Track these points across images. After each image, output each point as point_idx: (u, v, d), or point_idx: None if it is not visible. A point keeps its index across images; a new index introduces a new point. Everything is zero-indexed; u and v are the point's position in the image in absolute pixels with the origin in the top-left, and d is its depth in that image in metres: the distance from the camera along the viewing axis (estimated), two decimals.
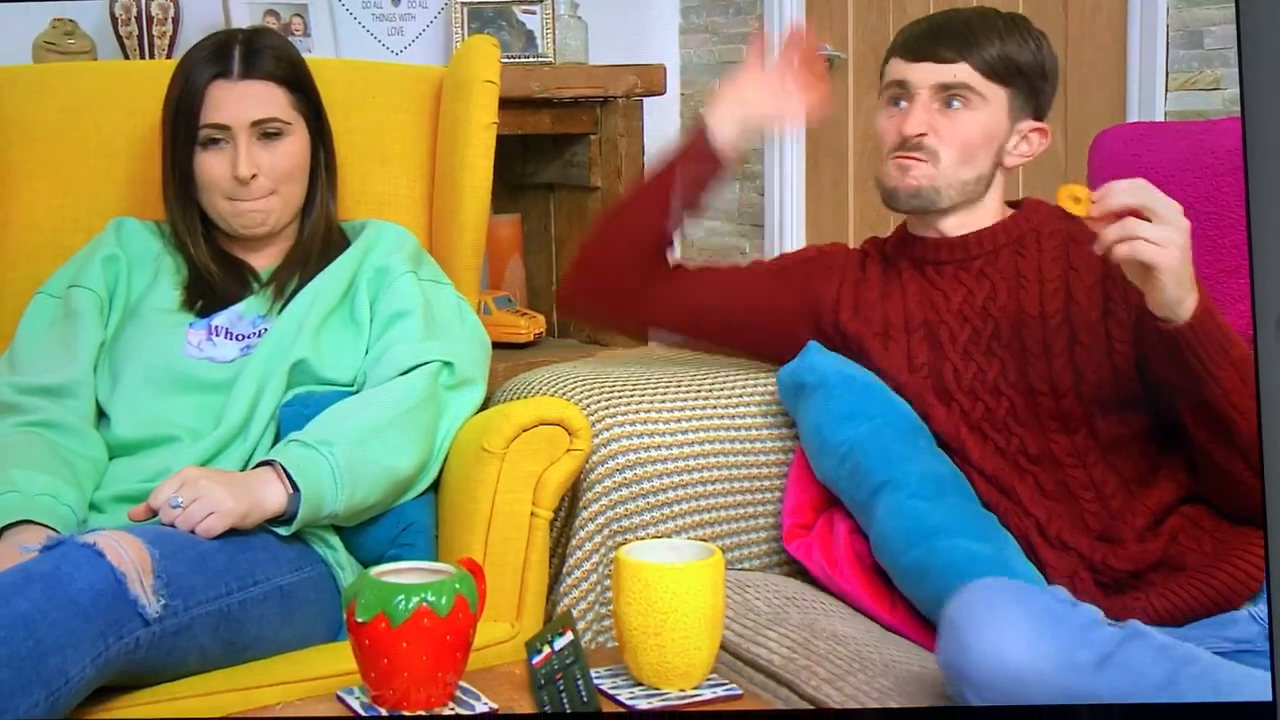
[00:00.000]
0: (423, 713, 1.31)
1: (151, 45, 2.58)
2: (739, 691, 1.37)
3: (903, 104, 1.69)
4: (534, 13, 2.86)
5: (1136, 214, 1.40)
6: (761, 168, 3.17)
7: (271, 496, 1.53)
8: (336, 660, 1.45)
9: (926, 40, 1.68)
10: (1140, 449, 1.60)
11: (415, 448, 1.65)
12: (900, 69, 1.69)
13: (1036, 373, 1.63)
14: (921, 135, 1.66)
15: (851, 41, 2.99)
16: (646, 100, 2.83)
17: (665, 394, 1.82)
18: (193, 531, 1.47)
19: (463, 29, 2.82)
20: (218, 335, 1.72)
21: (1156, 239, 1.39)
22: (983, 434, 1.64)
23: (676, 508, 1.76)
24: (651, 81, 2.78)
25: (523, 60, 2.85)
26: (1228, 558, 1.51)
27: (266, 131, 1.73)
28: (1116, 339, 1.60)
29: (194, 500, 1.48)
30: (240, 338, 1.73)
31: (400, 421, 1.64)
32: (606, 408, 1.78)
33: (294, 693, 1.42)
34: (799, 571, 1.73)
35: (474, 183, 1.94)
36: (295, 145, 1.76)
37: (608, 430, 1.75)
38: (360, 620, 1.29)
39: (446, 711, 1.32)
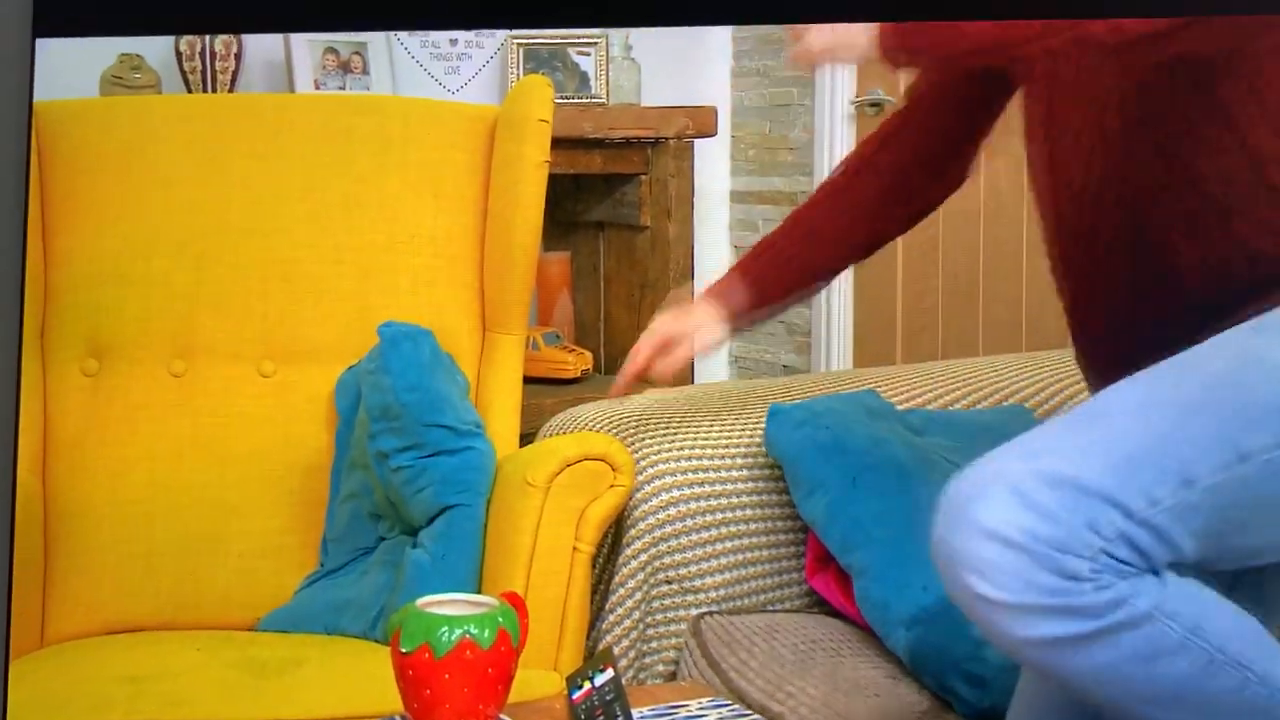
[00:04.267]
0: None
1: (214, 80, 2.63)
2: None
3: None
4: (588, 54, 2.89)
5: None
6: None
7: None
8: (383, 697, 1.46)
9: None
10: None
11: None
12: None
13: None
14: None
15: (903, 86, 2.99)
16: (697, 141, 2.85)
17: (709, 431, 1.83)
18: None
19: (518, 69, 2.86)
20: None
21: None
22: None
23: (718, 546, 1.76)
24: (703, 123, 2.80)
25: (576, 100, 2.88)
26: None
27: None
28: None
29: None
30: None
31: None
32: (650, 444, 1.78)
33: None
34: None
35: (525, 220, 1.95)
36: None
37: (652, 467, 1.76)
38: (404, 650, 1.30)
39: None
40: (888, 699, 1.48)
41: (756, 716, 1.42)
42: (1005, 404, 1.96)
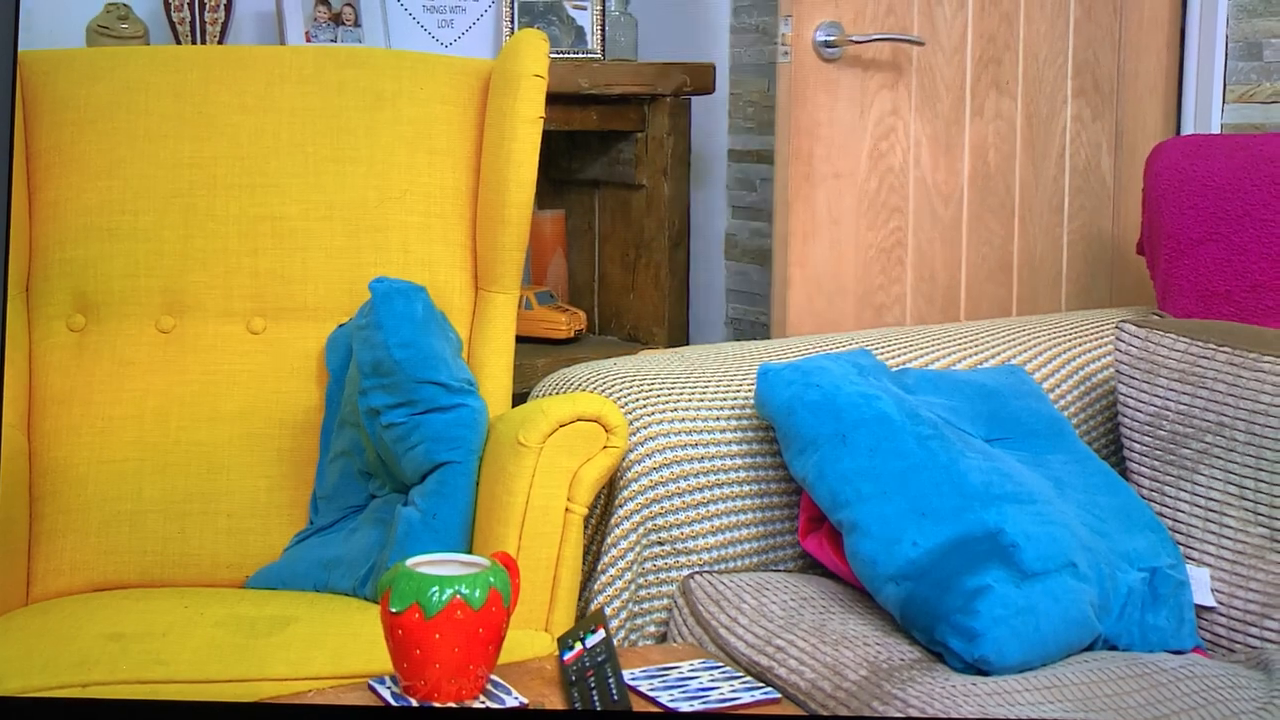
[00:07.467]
0: (453, 705, 1.31)
1: (203, 31, 2.60)
2: (777, 696, 1.36)
3: None
4: (584, 8, 2.86)
5: None
6: None
7: None
8: (372, 657, 1.45)
9: None
10: None
11: None
12: None
13: None
14: None
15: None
16: (695, 99, 2.82)
17: (703, 392, 1.82)
18: None
19: (513, 23, 2.82)
20: None
21: None
22: None
23: (712, 507, 1.76)
24: (701, 80, 2.77)
25: (572, 55, 2.84)
26: None
27: None
28: None
29: None
30: None
31: None
32: (644, 405, 1.78)
33: (328, 684, 1.43)
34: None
35: (519, 177, 1.94)
36: None
37: (645, 428, 1.75)
38: (394, 610, 1.29)
39: (476, 704, 1.31)
40: (876, 650, 1.48)
41: (747, 677, 1.41)
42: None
